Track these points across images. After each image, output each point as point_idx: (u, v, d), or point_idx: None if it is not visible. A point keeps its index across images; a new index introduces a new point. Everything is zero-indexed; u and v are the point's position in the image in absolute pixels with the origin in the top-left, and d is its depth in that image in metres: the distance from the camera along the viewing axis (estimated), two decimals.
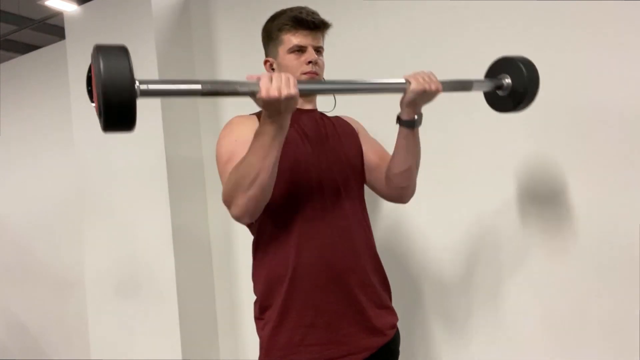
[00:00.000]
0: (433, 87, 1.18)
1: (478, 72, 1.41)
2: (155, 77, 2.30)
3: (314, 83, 1.22)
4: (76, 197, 2.66)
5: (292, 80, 1.02)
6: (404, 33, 1.93)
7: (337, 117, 1.45)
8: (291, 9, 1.33)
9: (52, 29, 3.23)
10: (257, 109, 1.38)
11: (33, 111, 3.38)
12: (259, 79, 1.01)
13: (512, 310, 1.76)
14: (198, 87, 0.96)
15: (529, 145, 1.71)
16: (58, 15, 2.93)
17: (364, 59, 2.00)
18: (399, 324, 1.39)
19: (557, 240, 1.68)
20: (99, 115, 0.89)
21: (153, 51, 2.31)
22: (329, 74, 1.44)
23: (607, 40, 1.57)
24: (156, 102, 2.30)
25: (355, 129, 1.45)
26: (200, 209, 2.46)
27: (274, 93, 0.99)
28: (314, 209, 1.25)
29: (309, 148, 1.29)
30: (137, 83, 0.89)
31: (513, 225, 1.75)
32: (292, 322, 1.22)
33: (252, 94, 1.01)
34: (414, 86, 1.17)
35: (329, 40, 1.41)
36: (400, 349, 1.38)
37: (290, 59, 1.31)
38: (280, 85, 1.00)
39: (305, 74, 1.30)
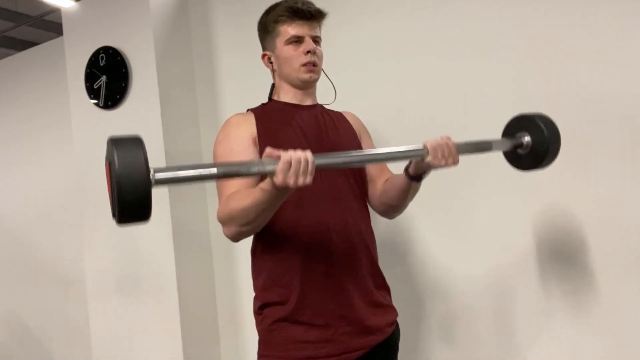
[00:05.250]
0: (450, 163, 1.14)
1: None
2: (154, 73, 2.29)
3: (331, 157, 1.11)
4: (76, 194, 2.65)
5: (310, 166, 0.99)
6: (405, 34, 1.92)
7: (339, 113, 1.44)
8: (286, 0, 1.32)
9: (50, 25, 3.20)
10: (255, 104, 1.38)
11: (31, 108, 3.37)
12: (278, 157, 0.98)
13: (513, 310, 1.76)
14: (213, 171, 0.95)
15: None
16: (55, 11, 2.90)
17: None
18: (400, 320, 1.38)
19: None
20: (113, 209, 0.88)
21: (151, 47, 2.29)
22: (329, 72, 1.43)
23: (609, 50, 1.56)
24: (155, 99, 2.28)
25: (357, 130, 1.43)
26: (200, 206, 2.45)
27: (290, 182, 0.97)
28: (312, 208, 1.25)
29: (306, 146, 1.27)
30: (152, 172, 0.88)
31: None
32: (290, 319, 1.24)
33: (270, 174, 0.99)
34: (430, 160, 1.13)
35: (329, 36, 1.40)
36: (400, 343, 1.38)
37: (289, 50, 1.30)
38: (298, 172, 0.97)
39: (304, 65, 1.30)
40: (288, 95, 1.35)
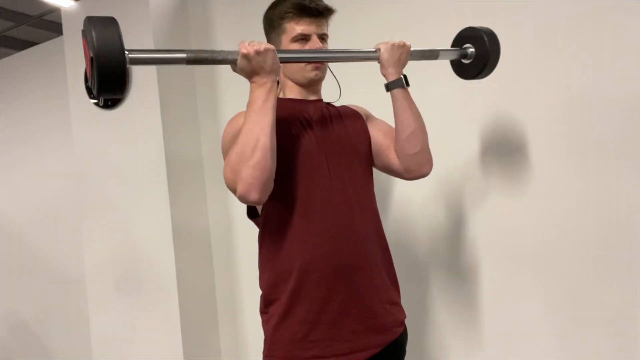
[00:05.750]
0: (400, 42, 1.28)
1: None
2: (154, 73, 2.28)
3: (292, 52, 1.25)
4: (76, 193, 2.65)
5: (268, 44, 1.12)
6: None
7: (343, 106, 1.43)
8: None
9: (49, 25, 3.19)
10: None
11: (31, 108, 3.36)
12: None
13: (519, 306, 1.75)
14: (183, 55, 1.06)
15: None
16: (55, 11, 2.90)
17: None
18: (407, 321, 1.37)
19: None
20: (92, 82, 0.98)
21: (151, 47, 2.29)
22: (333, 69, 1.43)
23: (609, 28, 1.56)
24: (155, 98, 2.28)
25: (362, 115, 1.42)
26: (200, 205, 2.45)
27: (253, 47, 1.09)
28: (320, 201, 1.22)
29: (314, 139, 1.27)
30: (126, 52, 0.98)
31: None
32: (296, 317, 1.20)
33: (234, 62, 1.11)
34: (382, 46, 1.28)
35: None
36: (408, 346, 1.36)
37: (294, 48, 1.28)
38: (256, 43, 1.10)
39: (310, 64, 1.29)
40: (293, 92, 1.34)
